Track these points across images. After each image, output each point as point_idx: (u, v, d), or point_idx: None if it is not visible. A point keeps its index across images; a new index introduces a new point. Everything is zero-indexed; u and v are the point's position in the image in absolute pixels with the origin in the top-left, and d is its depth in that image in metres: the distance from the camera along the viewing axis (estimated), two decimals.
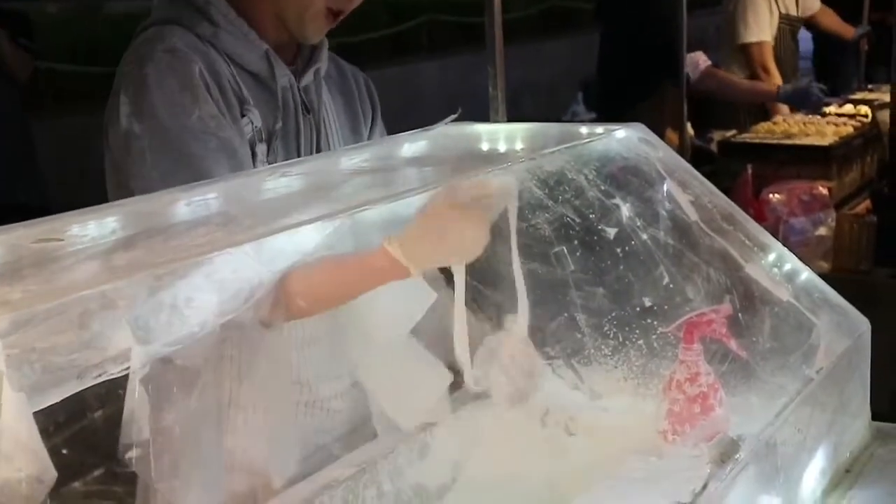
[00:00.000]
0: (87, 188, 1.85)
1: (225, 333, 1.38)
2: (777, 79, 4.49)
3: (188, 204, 1.37)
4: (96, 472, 1.26)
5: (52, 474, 1.08)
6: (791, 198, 3.03)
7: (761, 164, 3.32)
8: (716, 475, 1.41)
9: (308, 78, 1.81)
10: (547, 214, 1.65)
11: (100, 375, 1.20)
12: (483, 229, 1.51)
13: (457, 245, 1.52)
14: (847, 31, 5.24)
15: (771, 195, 3.04)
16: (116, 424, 1.22)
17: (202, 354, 1.37)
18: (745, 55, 4.57)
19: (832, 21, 5.17)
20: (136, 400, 1.22)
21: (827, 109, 4.14)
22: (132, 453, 1.21)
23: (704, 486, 1.38)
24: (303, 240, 1.41)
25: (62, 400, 1.17)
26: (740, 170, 3.22)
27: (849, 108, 4.18)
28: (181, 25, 1.70)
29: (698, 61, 4.11)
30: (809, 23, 5.03)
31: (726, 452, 1.44)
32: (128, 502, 1.30)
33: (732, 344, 1.63)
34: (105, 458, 1.26)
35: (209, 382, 1.40)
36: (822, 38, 5.54)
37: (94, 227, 1.30)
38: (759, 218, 2.86)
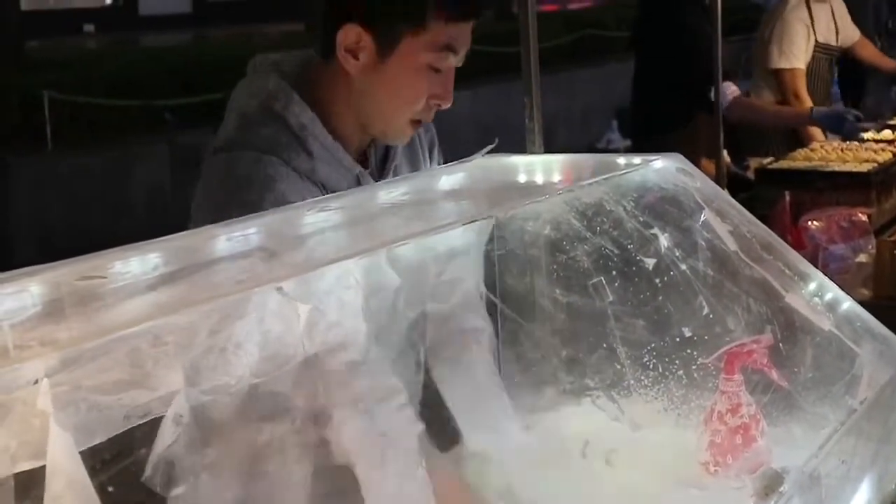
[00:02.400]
0: None
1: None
2: (808, 104, 4.47)
3: (229, 239, 1.38)
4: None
5: None
6: (830, 224, 3.01)
7: (799, 191, 3.30)
8: None
9: (387, 176, 1.84)
10: (585, 246, 1.66)
11: (146, 415, 1.21)
12: None
13: None
14: (886, 63, 5.20)
15: (810, 222, 3.02)
16: None
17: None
18: (777, 80, 4.56)
19: (871, 53, 5.13)
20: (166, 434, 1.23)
21: (865, 135, 4.12)
22: (164, 468, 1.22)
23: None
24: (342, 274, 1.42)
25: (109, 438, 1.17)
26: (778, 197, 3.19)
27: (887, 133, 4.16)
28: (279, 157, 1.70)
29: (727, 91, 4.11)
30: (848, 54, 5.00)
31: (770, 485, 1.44)
32: None
33: (774, 374, 1.63)
34: (151, 497, 1.27)
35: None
36: (854, 65, 5.50)
37: (136, 263, 1.31)
38: (798, 245, 2.85)
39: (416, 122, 1.79)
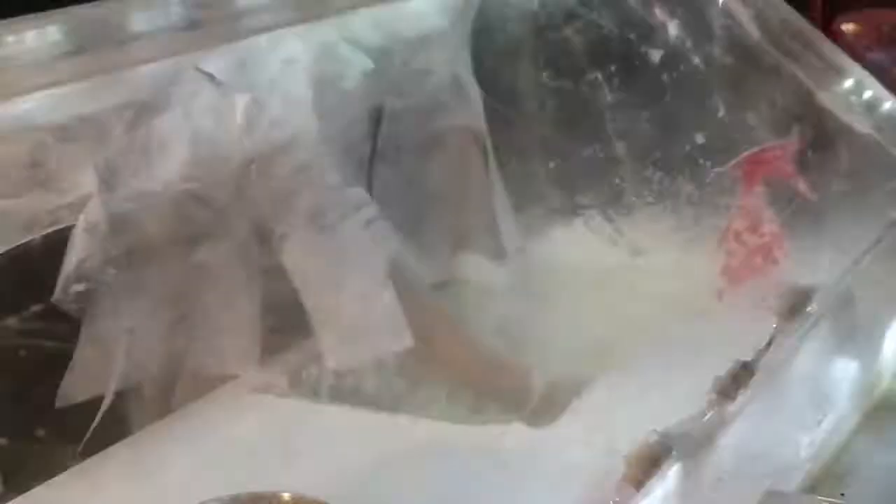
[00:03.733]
0: None
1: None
2: None
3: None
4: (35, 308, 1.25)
5: None
6: (869, 28, 2.96)
7: None
8: (783, 330, 1.38)
9: None
10: (578, 23, 1.62)
11: (53, 224, 1.19)
12: None
13: None
14: None
15: (844, 25, 2.98)
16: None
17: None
18: None
19: None
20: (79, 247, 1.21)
21: None
22: (77, 287, 1.21)
23: (770, 343, 1.34)
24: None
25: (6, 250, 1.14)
26: None
27: None
28: None
29: None
30: None
31: (795, 305, 1.41)
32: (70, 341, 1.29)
33: (801, 184, 1.61)
34: (60, 319, 1.25)
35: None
36: None
37: (32, 37, 1.24)
38: None
39: None
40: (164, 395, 1.39)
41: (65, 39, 1.25)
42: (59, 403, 1.26)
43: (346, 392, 1.48)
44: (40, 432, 1.28)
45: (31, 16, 1.27)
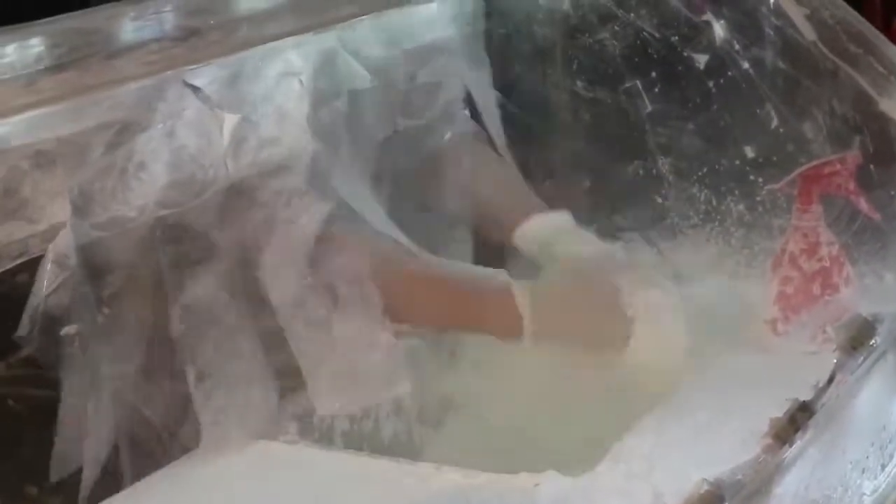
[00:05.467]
0: None
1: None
2: None
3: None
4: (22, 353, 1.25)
5: None
6: None
7: None
8: (844, 365, 1.38)
9: None
10: (614, 25, 1.62)
11: (22, 255, 1.20)
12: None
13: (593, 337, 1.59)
14: None
15: None
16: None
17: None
18: None
19: None
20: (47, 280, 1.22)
21: None
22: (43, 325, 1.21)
23: (830, 380, 1.34)
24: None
25: None
26: None
27: None
28: None
29: None
30: None
31: (858, 336, 1.41)
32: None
33: (862, 202, 1.60)
34: (26, 363, 1.26)
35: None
36: None
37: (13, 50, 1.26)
38: None
39: None
40: (163, 448, 1.39)
41: (47, 53, 1.27)
42: (53, 476, 1.27)
43: (361, 438, 1.49)
44: (31, 490, 1.29)
45: (13, 27, 1.29)
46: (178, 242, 1.36)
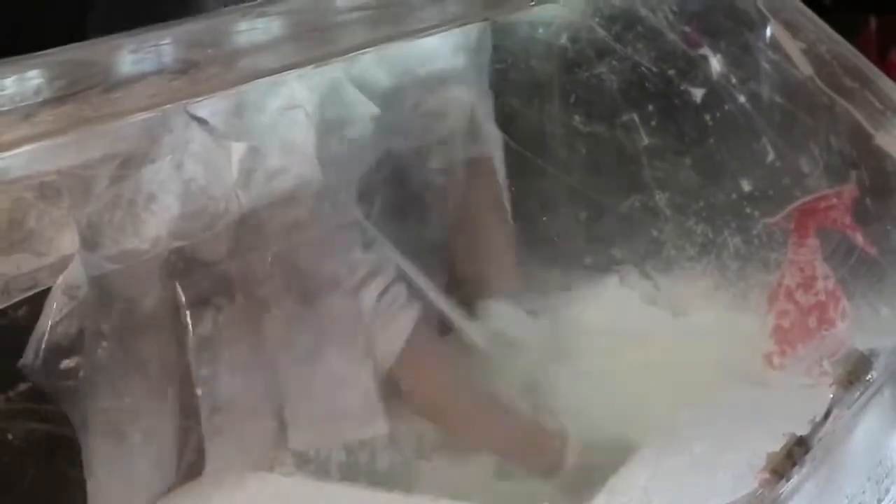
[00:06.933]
0: None
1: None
2: None
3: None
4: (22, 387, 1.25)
5: None
6: None
7: (889, 16, 3.26)
8: (841, 399, 1.39)
9: None
10: (614, 62, 1.63)
11: (32, 287, 1.19)
12: None
13: None
14: None
15: None
16: None
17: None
18: None
19: None
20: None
21: None
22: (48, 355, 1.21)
23: (826, 415, 1.35)
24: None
25: None
26: (862, 23, 3.16)
27: None
28: None
29: None
30: None
31: (854, 371, 1.42)
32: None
33: (859, 236, 1.61)
34: (33, 396, 1.25)
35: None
36: None
37: (12, 83, 1.26)
38: None
39: None
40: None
41: (47, 85, 1.27)
42: None
43: (357, 470, 1.49)
44: None
45: (12, 59, 1.29)
46: (190, 275, 1.36)
